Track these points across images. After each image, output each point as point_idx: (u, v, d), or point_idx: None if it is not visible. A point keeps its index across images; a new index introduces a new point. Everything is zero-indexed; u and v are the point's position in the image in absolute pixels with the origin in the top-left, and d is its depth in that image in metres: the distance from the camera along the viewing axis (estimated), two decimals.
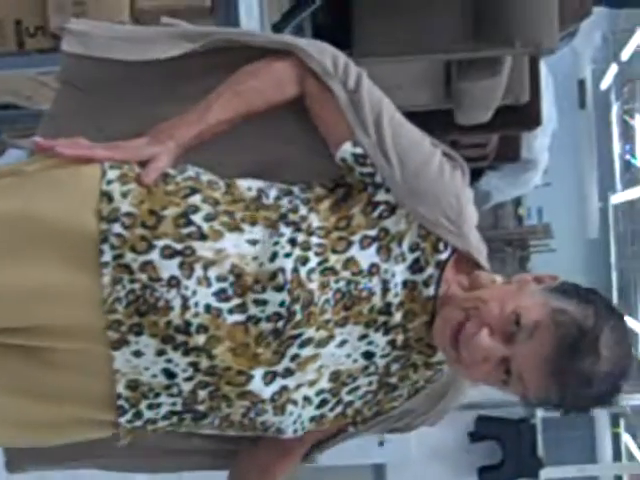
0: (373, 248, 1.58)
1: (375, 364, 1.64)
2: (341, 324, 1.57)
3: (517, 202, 8.10)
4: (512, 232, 7.78)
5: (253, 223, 1.57)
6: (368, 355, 1.63)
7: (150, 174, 1.57)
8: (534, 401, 1.57)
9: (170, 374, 1.55)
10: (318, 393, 1.63)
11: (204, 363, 1.53)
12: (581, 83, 10.88)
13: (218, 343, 1.52)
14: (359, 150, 1.61)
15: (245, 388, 1.56)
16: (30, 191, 1.56)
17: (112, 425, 1.61)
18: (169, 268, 1.51)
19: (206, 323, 1.51)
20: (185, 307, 1.50)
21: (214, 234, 1.53)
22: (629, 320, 10.25)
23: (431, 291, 1.59)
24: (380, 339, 1.61)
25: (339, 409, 1.68)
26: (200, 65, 1.69)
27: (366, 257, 1.57)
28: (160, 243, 1.51)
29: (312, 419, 1.67)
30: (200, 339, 1.51)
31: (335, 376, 1.63)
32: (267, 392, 1.57)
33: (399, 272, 1.58)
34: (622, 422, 10.33)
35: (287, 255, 1.53)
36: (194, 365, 1.53)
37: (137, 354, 1.53)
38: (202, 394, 1.57)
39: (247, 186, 1.64)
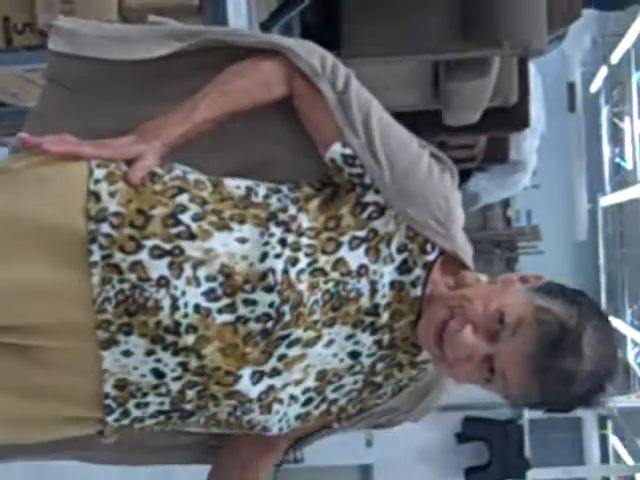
0: (362, 249, 1.58)
1: (361, 363, 1.65)
2: (329, 324, 1.58)
3: (506, 204, 8.11)
4: (500, 233, 7.80)
5: (242, 222, 1.57)
6: (354, 355, 1.63)
7: (137, 172, 1.56)
8: (516, 399, 1.58)
9: (159, 374, 1.55)
10: (304, 392, 1.64)
11: (193, 363, 1.53)
12: (571, 86, 10.91)
13: (207, 343, 1.52)
14: (348, 151, 1.62)
15: (233, 388, 1.56)
16: (16, 189, 1.55)
17: (99, 422, 1.61)
18: (158, 268, 1.51)
19: (195, 323, 1.51)
20: (174, 307, 1.50)
21: (203, 234, 1.53)
22: (617, 323, 10.28)
23: (418, 292, 1.60)
24: (367, 339, 1.62)
25: (324, 407, 1.69)
26: (187, 64, 1.69)
27: (355, 258, 1.57)
28: (149, 243, 1.51)
29: (298, 417, 1.67)
30: (189, 339, 1.51)
31: (321, 375, 1.63)
32: (254, 392, 1.58)
33: (387, 273, 1.58)
34: (610, 424, 10.36)
35: (277, 256, 1.53)
36: (183, 365, 1.53)
37: (126, 354, 1.53)
38: (190, 394, 1.57)
39: (235, 185, 1.64)
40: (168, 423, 1.65)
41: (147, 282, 1.50)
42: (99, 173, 1.55)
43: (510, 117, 4.03)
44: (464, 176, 5.99)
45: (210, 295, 1.52)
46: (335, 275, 1.56)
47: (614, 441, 10.30)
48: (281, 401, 1.62)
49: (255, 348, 1.54)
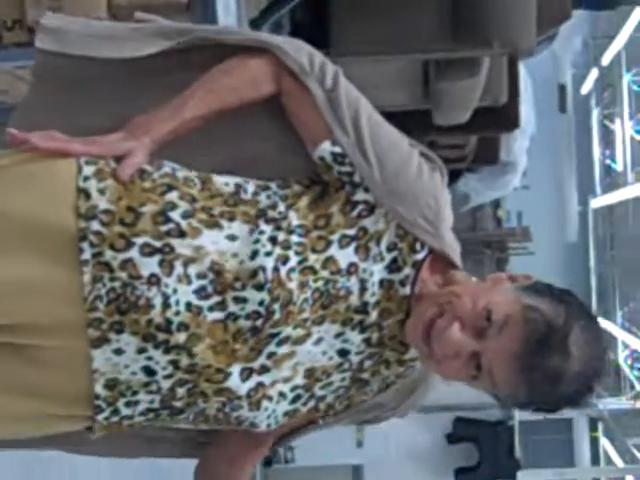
0: (352, 247, 1.58)
1: (349, 361, 1.65)
2: (318, 322, 1.58)
3: (496, 204, 8.12)
4: (491, 234, 7.80)
5: (231, 219, 1.57)
6: (343, 352, 1.63)
7: (126, 169, 1.56)
8: (503, 398, 1.58)
9: (150, 372, 1.54)
10: (292, 389, 1.64)
11: (184, 361, 1.53)
12: (562, 87, 10.92)
13: (199, 341, 1.52)
14: (338, 149, 1.62)
15: (223, 385, 1.56)
16: (4, 186, 1.54)
17: (88, 420, 1.61)
18: (149, 266, 1.50)
19: (187, 321, 1.51)
20: (166, 305, 1.50)
21: (192, 231, 1.53)
22: (607, 325, 10.29)
23: (407, 290, 1.60)
24: (355, 337, 1.62)
25: (312, 403, 1.69)
26: (176, 62, 1.69)
27: (345, 256, 1.57)
28: (139, 241, 1.51)
29: (286, 414, 1.67)
30: (181, 337, 1.51)
31: (310, 373, 1.63)
32: (243, 389, 1.58)
33: (377, 271, 1.58)
34: (600, 426, 10.38)
35: (268, 254, 1.53)
36: (174, 363, 1.53)
37: (118, 352, 1.52)
38: (180, 391, 1.57)
39: (224, 182, 1.64)
40: (157, 420, 1.65)
41: (138, 280, 1.50)
42: (88, 170, 1.55)
43: (500, 117, 4.04)
44: (454, 176, 6.00)
45: (201, 293, 1.52)
46: (325, 273, 1.57)
47: (604, 443, 10.32)
48: (270, 398, 1.62)
49: (244, 345, 1.54)
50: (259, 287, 1.51)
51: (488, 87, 3.61)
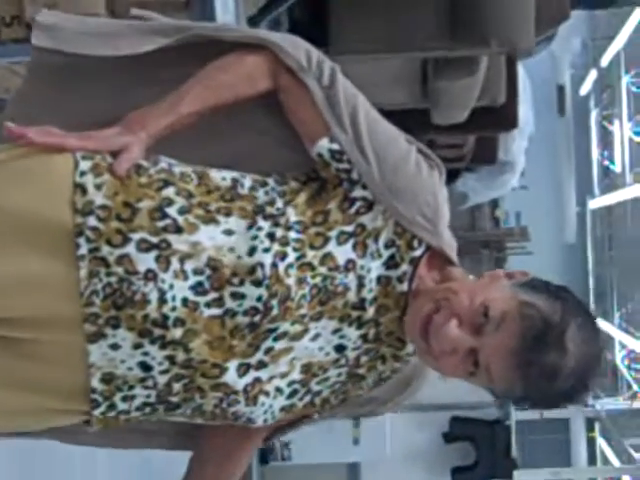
0: (350, 244, 1.58)
1: (346, 357, 1.66)
2: (316, 318, 1.59)
3: (494, 204, 8.12)
4: (489, 234, 7.80)
5: (228, 214, 1.57)
6: (340, 348, 1.64)
7: (122, 164, 1.57)
8: (500, 393, 1.59)
9: (146, 367, 1.55)
10: (289, 384, 1.65)
11: (180, 356, 1.53)
12: (560, 89, 10.92)
13: (195, 336, 1.52)
14: (336, 146, 1.62)
15: (219, 380, 1.57)
16: (0, 181, 1.55)
17: (85, 414, 1.61)
18: (145, 261, 1.51)
19: (183, 317, 1.51)
20: (162, 301, 1.50)
21: (189, 227, 1.54)
22: (605, 325, 10.29)
23: (404, 287, 1.61)
24: (353, 333, 1.62)
25: (308, 398, 1.69)
26: (172, 58, 1.69)
27: (343, 253, 1.58)
28: (136, 236, 1.51)
29: (282, 409, 1.68)
30: (177, 332, 1.52)
31: (306, 368, 1.64)
32: (240, 384, 1.58)
33: (374, 268, 1.59)
34: (597, 427, 10.37)
35: (266, 250, 1.54)
36: (170, 358, 1.54)
37: (114, 347, 1.53)
38: (177, 386, 1.58)
39: (221, 176, 1.64)
40: (154, 415, 1.65)
41: (135, 275, 1.50)
42: (84, 165, 1.55)
43: (498, 117, 4.04)
44: (452, 176, 6.00)
45: (198, 289, 1.52)
46: (323, 270, 1.57)
47: (601, 443, 10.31)
48: (267, 393, 1.63)
49: (242, 341, 1.55)
50: (257, 283, 1.52)
51: (486, 87, 3.61)
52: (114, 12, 2.57)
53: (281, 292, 1.53)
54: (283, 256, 1.54)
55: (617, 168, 10.72)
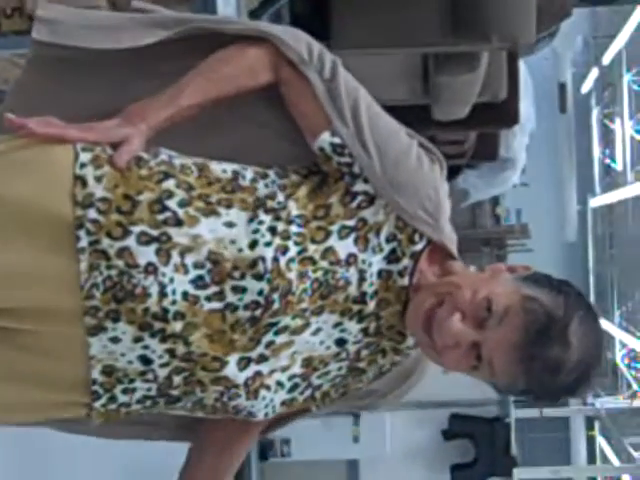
0: (351, 238, 1.59)
1: (347, 350, 1.66)
2: (317, 313, 1.59)
3: (495, 201, 8.11)
4: (490, 231, 7.80)
5: (229, 206, 1.57)
6: (341, 342, 1.64)
7: (123, 156, 1.57)
8: (503, 387, 1.59)
9: (146, 360, 1.55)
10: (290, 378, 1.65)
11: (180, 349, 1.54)
12: (562, 86, 10.90)
13: (195, 330, 1.52)
14: (337, 140, 1.62)
15: (220, 374, 1.57)
16: (0, 172, 1.55)
17: (86, 407, 1.61)
18: (146, 254, 1.51)
19: (183, 310, 1.52)
20: (162, 294, 1.50)
21: (190, 220, 1.54)
22: (606, 324, 10.28)
23: (405, 281, 1.61)
24: (353, 327, 1.63)
25: (308, 392, 1.70)
26: (173, 50, 1.69)
27: (344, 247, 1.58)
28: (136, 229, 1.51)
29: (283, 403, 1.68)
30: (177, 326, 1.52)
31: (307, 362, 1.64)
32: (241, 377, 1.58)
33: (376, 262, 1.59)
34: (597, 425, 10.36)
35: (267, 244, 1.54)
36: (170, 351, 1.54)
37: (114, 340, 1.53)
38: (177, 379, 1.58)
39: (221, 169, 1.64)
40: (154, 408, 1.65)
41: (135, 269, 1.50)
42: (84, 157, 1.55)
43: (499, 113, 4.03)
44: (453, 173, 5.99)
45: (198, 282, 1.52)
46: (324, 264, 1.57)
47: (601, 442, 10.31)
48: (268, 387, 1.63)
49: (243, 335, 1.55)
50: (259, 277, 1.52)
51: (488, 83, 3.61)
52: (115, 5, 2.57)
53: (282, 286, 1.53)
54: (284, 250, 1.54)
55: (618, 166, 10.70)
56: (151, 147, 1.63)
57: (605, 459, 9.98)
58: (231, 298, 1.53)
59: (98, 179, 1.53)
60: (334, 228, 1.58)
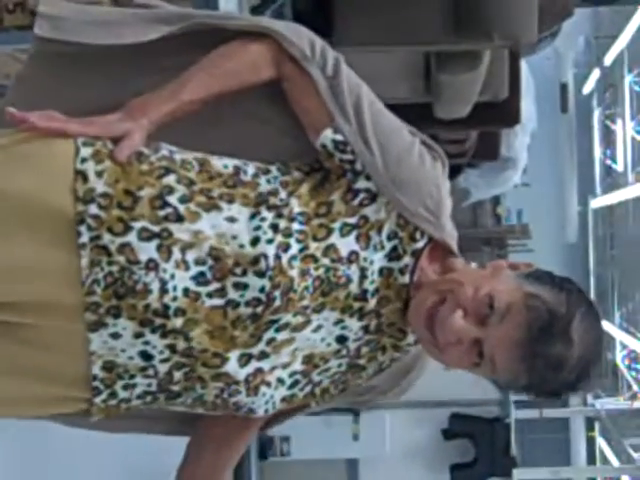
0: (353, 236, 1.58)
1: (347, 347, 1.66)
2: (318, 310, 1.59)
3: (496, 201, 8.13)
4: (490, 231, 7.81)
5: (230, 201, 1.57)
6: (341, 339, 1.64)
7: (124, 150, 1.56)
8: (504, 384, 1.59)
9: (147, 356, 1.55)
10: (291, 375, 1.65)
11: (181, 345, 1.54)
12: (563, 87, 10.91)
13: (195, 326, 1.52)
14: (339, 137, 1.62)
15: (220, 370, 1.57)
16: (2, 166, 1.55)
17: (86, 402, 1.61)
18: (147, 250, 1.51)
19: (184, 306, 1.51)
20: (163, 290, 1.50)
21: (191, 215, 1.53)
22: (606, 325, 10.28)
23: (406, 279, 1.61)
24: (354, 324, 1.63)
25: (308, 389, 1.70)
26: (175, 45, 1.69)
27: (346, 245, 1.58)
28: (137, 225, 1.51)
29: (283, 399, 1.68)
30: (178, 322, 1.52)
31: (308, 359, 1.64)
32: (242, 374, 1.58)
33: (377, 260, 1.59)
34: (597, 426, 10.37)
35: (269, 241, 1.54)
36: (171, 347, 1.54)
37: (115, 336, 1.53)
38: (177, 375, 1.58)
39: (222, 164, 1.64)
40: (154, 403, 1.65)
41: (136, 265, 1.50)
42: (85, 152, 1.55)
43: (501, 112, 4.03)
44: (454, 172, 5.99)
45: (199, 279, 1.52)
46: (326, 261, 1.57)
47: (601, 443, 10.32)
48: (268, 384, 1.63)
49: (244, 332, 1.55)
50: (260, 274, 1.52)
51: (489, 82, 3.60)
52: (117, 0, 2.56)
53: (284, 284, 1.53)
54: (286, 247, 1.54)
55: (619, 167, 10.71)
56: (152, 142, 1.63)
57: (605, 460, 9.99)
58: (232, 295, 1.53)
59: (99, 174, 1.53)
60: (336, 226, 1.58)
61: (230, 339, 1.55)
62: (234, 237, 1.54)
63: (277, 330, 1.57)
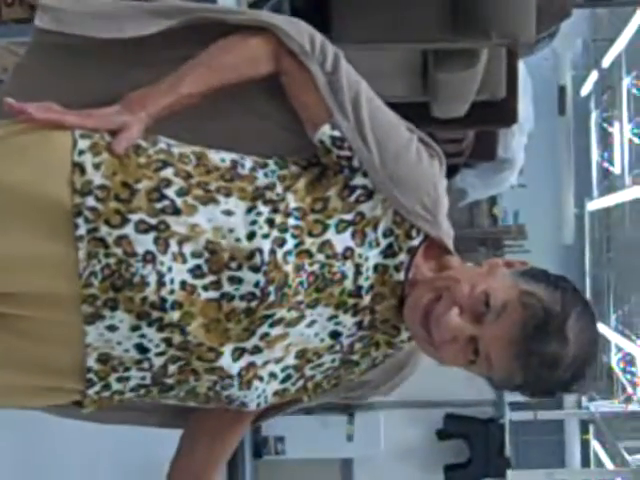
0: (348, 232, 1.58)
1: (341, 343, 1.66)
2: (312, 305, 1.58)
3: (492, 202, 8.14)
4: (486, 231, 7.81)
5: (228, 194, 1.57)
6: (335, 335, 1.64)
7: (121, 143, 1.56)
8: (499, 382, 1.59)
9: (143, 349, 1.55)
10: (283, 369, 1.65)
11: (177, 338, 1.53)
12: (561, 89, 10.93)
13: (192, 319, 1.52)
14: (337, 133, 1.62)
15: (215, 364, 1.57)
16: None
17: (79, 393, 1.61)
18: (144, 243, 1.50)
19: (181, 300, 1.51)
20: (160, 283, 1.50)
21: (188, 209, 1.53)
22: (601, 327, 10.29)
23: (401, 276, 1.61)
24: (348, 320, 1.62)
25: (301, 383, 1.69)
26: (174, 39, 1.69)
27: (341, 241, 1.58)
28: (134, 217, 1.51)
29: (275, 393, 1.68)
30: (175, 315, 1.51)
31: (301, 354, 1.64)
32: (235, 368, 1.58)
33: (372, 257, 1.59)
34: (591, 429, 10.39)
35: (265, 236, 1.53)
36: (167, 340, 1.54)
37: (111, 329, 1.53)
38: (172, 368, 1.58)
39: (220, 157, 1.64)
40: (147, 396, 1.65)
41: (133, 257, 1.50)
42: (83, 144, 1.55)
43: (498, 112, 4.02)
44: (451, 172, 5.99)
45: (196, 272, 1.52)
46: (321, 257, 1.57)
47: (595, 445, 10.34)
48: (261, 378, 1.62)
49: (238, 325, 1.55)
50: (255, 269, 1.51)
51: (486, 81, 3.60)
52: None
53: (279, 279, 1.53)
54: (282, 243, 1.54)
55: (616, 170, 10.73)
56: (150, 135, 1.63)
57: (599, 462, 10.00)
58: (227, 288, 1.53)
59: (96, 166, 1.53)
60: (332, 222, 1.58)
61: (224, 332, 1.55)
62: (231, 230, 1.54)
63: (271, 325, 1.57)
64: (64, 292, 1.51)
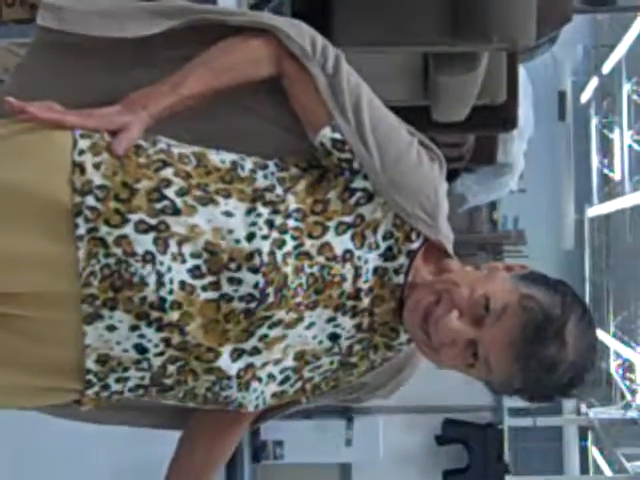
0: (348, 235, 1.59)
1: (339, 345, 1.66)
2: (311, 307, 1.59)
3: (492, 207, 8.13)
4: (486, 236, 7.81)
5: (227, 196, 1.57)
6: (334, 337, 1.64)
7: (122, 143, 1.57)
8: (498, 386, 1.59)
9: (142, 349, 1.55)
10: (282, 371, 1.65)
11: (176, 339, 1.54)
12: (562, 95, 10.92)
13: (191, 320, 1.52)
14: (338, 136, 1.62)
15: (213, 364, 1.57)
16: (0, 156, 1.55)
17: (77, 393, 1.61)
18: (144, 243, 1.51)
19: (180, 300, 1.51)
20: (160, 283, 1.50)
21: (187, 209, 1.53)
22: (600, 333, 10.28)
23: (400, 279, 1.61)
24: (347, 322, 1.63)
25: (299, 385, 1.70)
26: (173, 40, 1.69)
27: (341, 243, 1.58)
28: (134, 217, 1.51)
29: (274, 395, 1.68)
30: (174, 315, 1.52)
31: (300, 355, 1.64)
32: (233, 369, 1.59)
33: (371, 259, 1.59)
34: (590, 435, 10.36)
35: (264, 237, 1.54)
36: (166, 341, 1.54)
37: (110, 329, 1.53)
38: (171, 369, 1.58)
39: (220, 159, 1.64)
40: (146, 396, 1.65)
41: (133, 257, 1.50)
42: (83, 144, 1.55)
43: (498, 116, 4.02)
44: (451, 176, 5.99)
45: (195, 272, 1.52)
46: (320, 259, 1.57)
47: (594, 452, 10.31)
48: (259, 379, 1.63)
49: (237, 326, 1.55)
50: (254, 270, 1.52)
51: (487, 85, 3.60)
52: None
53: (278, 280, 1.53)
54: (281, 244, 1.54)
55: (616, 176, 10.71)
56: (150, 135, 1.63)
57: (598, 469, 9.97)
58: (227, 289, 1.53)
59: (97, 166, 1.53)
60: (331, 224, 1.58)
61: (223, 333, 1.55)
62: (230, 231, 1.54)
63: (270, 327, 1.57)
64: (64, 292, 1.51)
